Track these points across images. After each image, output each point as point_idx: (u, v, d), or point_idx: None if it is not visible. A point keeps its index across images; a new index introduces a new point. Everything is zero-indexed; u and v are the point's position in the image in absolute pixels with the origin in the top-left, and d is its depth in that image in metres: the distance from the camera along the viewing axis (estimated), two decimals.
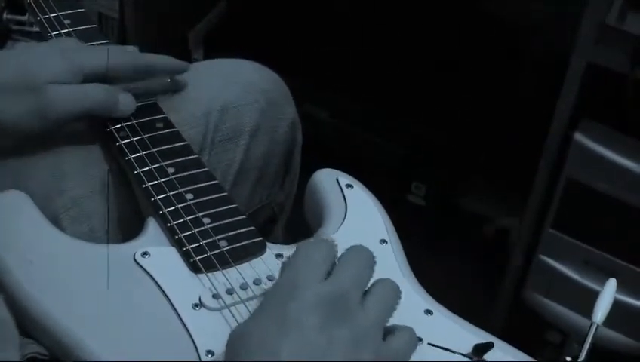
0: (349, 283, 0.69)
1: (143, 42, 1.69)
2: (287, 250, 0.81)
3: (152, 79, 0.95)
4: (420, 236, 1.65)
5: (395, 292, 0.71)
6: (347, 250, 0.72)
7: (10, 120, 0.85)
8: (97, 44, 0.95)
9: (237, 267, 0.79)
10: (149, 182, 0.85)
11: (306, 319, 0.66)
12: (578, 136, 1.35)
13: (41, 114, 0.85)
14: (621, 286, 1.11)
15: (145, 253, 0.79)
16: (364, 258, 0.72)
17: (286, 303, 0.67)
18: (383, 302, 0.70)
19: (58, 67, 0.86)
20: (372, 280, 0.72)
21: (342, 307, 0.67)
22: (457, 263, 1.76)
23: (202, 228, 0.81)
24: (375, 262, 0.72)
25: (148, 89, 0.94)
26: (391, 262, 0.82)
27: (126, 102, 0.90)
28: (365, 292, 0.70)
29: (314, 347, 0.65)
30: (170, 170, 0.86)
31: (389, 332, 0.69)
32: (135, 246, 0.80)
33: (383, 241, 0.85)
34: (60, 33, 0.95)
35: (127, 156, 0.87)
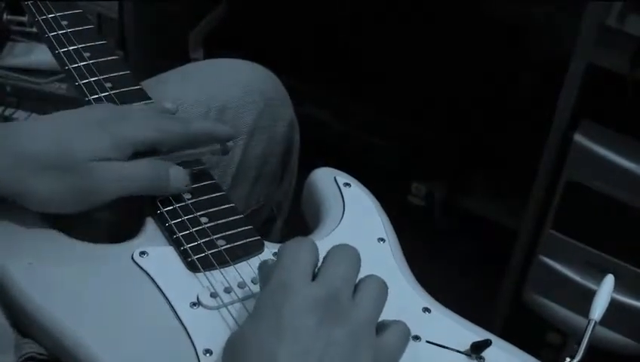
0: (339, 282, 0.69)
1: (143, 43, 1.69)
2: None
3: (202, 147, 0.88)
4: (420, 237, 1.65)
5: (382, 287, 0.71)
6: (332, 248, 0.72)
7: (47, 198, 0.78)
8: (134, 105, 0.89)
9: (235, 266, 0.79)
10: None
11: (302, 322, 0.66)
12: (578, 137, 1.35)
13: (83, 196, 0.78)
14: (621, 287, 1.11)
15: (143, 253, 0.79)
16: (350, 256, 0.72)
17: (280, 306, 0.67)
18: (373, 298, 0.70)
19: (99, 142, 0.79)
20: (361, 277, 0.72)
21: (335, 307, 0.67)
22: (457, 264, 1.76)
23: (200, 227, 0.81)
24: (360, 259, 0.72)
25: (197, 156, 0.87)
26: (389, 261, 0.82)
27: (178, 177, 0.83)
28: (354, 290, 0.70)
29: (312, 349, 0.65)
30: None
31: (381, 327, 0.69)
32: (133, 245, 0.80)
33: (381, 240, 0.85)
34: (57, 34, 0.94)
35: None
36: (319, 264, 0.71)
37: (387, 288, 0.71)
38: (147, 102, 0.90)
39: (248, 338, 0.67)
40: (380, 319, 0.70)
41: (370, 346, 0.67)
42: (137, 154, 0.81)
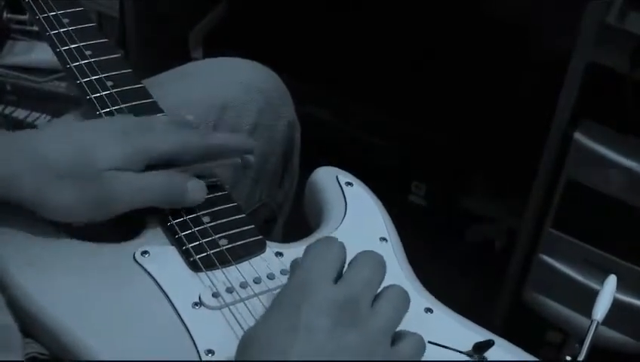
0: (360, 287, 0.69)
1: (143, 42, 1.69)
2: (288, 249, 0.81)
3: (222, 160, 0.87)
4: (420, 236, 1.65)
5: (404, 299, 0.71)
6: (359, 254, 0.72)
7: (63, 207, 0.77)
8: (156, 116, 0.88)
9: (237, 266, 0.79)
10: None
11: (317, 322, 0.66)
12: (578, 136, 1.35)
13: (98, 205, 0.78)
14: (621, 286, 1.11)
15: (145, 252, 0.79)
16: (375, 263, 0.72)
17: (298, 305, 0.67)
18: (392, 307, 0.70)
19: (120, 152, 0.78)
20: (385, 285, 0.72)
21: (352, 311, 0.67)
22: (457, 263, 1.76)
23: (202, 226, 0.81)
24: (385, 268, 0.72)
25: (217, 170, 0.87)
26: (391, 260, 0.82)
27: (195, 190, 0.82)
28: (375, 298, 0.70)
29: (323, 350, 0.65)
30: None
31: (398, 337, 0.69)
32: (135, 245, 0.80)
33: (383, 239, 0.84)
34: (58, 32, 0.94)
35: None
36: (345, 267, 0.72)
37: (409, 300, 0.72)
38: (163, 114, 0.89)
39: (263, 331, 0.67)
40: None
41: (383, 355, 0.67)
42: (156, 166, 0.81)
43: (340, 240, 0.74)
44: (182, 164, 0.83)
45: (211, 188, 0.85)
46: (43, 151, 0.77)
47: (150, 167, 0.81)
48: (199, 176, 0.84)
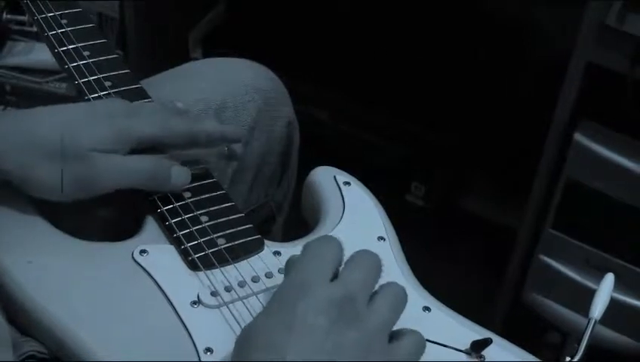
0: (358, 286, 0.69)
1: (143, 42, 1.69)
2: (286, 248, 0.81)
3: (209, 148, 0.88)
4: (419, 236, 1.65)
5: (401, 296, 0.71)
6: (355, 252, 0.73)
7: (47, 184, 0.78)
8: (144, 102, 0.89)
9: (235, 265, 0.79)
10: None
11: (314, 320, 0.66)
12: (578, 137, 1.35)
13: (83, 185, 0.79)
14: (621, 286, 1.11)
15: (143, 251, 0.79)
16: (371, 261, 0.72)
17: (295, 303, 0.67)
18: (389, 305, 0.70)
19: (105, 134, 0.80)
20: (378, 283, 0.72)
21: (350, 310, 0.67)
22: (457, 263, 1.76)
23: (200, 226, 0.81)
24: (382, 267, 0.72)
25: (203, 157, 0.87)
26: (389, 260, 0.82)
27: (179, 176, 0.83)
28: (372, 296, 0.70)
29: (320, 349, 0.65)
30: None
31: (395, 335, 0.69)
32: (133, 244, 0.80)
33: (381, 239, 0.85)
34: (57, 33, 0.94)
35: None
36: (342, 265, 0.72)
37: (406, 297, 0.71)
38: (149, 99, 0.90)
39: (259, 329, 0.67)
40: None
41: (380, 353, 0.67)
42: (142, 150, 0.82)
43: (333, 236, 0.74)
44: (168, 149, 0.84)
45: (209, 187, 0.85)
46: (31, 129, 0.79)
47: (136, 151, 0.81)
48: (185, 163, 0.84)
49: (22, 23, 1.60)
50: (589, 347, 0.76)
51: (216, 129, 0.88)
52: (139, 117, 0.83)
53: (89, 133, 0.79)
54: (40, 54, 1.59)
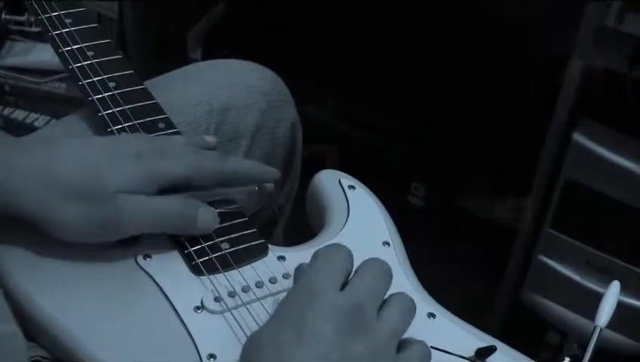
0: (367, 295, 0.69)
1: (142, 43, 1.69)
2: (290, 253, 0.81)
3: (238, 187, 0.85)
4: (419, 237, 1.65)
5: (410, 307, 0.71)
6: (365, 261, 0.72)
7: (69, 226, 0.74)
8: (169, 133, 0.86)
9: (239, 269, 0.79)
10: None
11: (322, 329, 0.65)
12: (577, 136, 1.35)
13: (106, 226, 0.75)
14: (620, 287, 1.10)
15: (147, 256, 0.79)
16: (381, 270, 0.72)
17: (303, 311, 0.66)
18: (398, 315, 0.69)
19: (132, 176, 0.76)
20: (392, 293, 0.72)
21: (358, 319, 0.67)
22: (457, 264, 1.76)
23: None
24: (392, 276, 0.72)
25: (232, 198, 0.84)
26: (393, 265, 0.81)
27: (207, 219, 0.80)
28: (381, 306, 0.70)
29: (329, 358, 0.64)
30: None
31: (403, 345, 0.69)
32: (137, 248, 0.79)
33: (386, 243, 0.84)
34: (61, 33, 0.94)
35: None
36: (352, 274, 0.71)
37: (415, 308, 0.71)
38: (175, 131, 0.88)
39: (267, 337, 0.67)
40: None
41: None
42: (170, 189, 0.79)
43: (343, 244, 0.73)
44: (197, 188, 0.81)
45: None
46: (54, 169, 0.75)
47: (163, 190, 0.79)
48: (214, 202, 0.82)
49: (21, 24, 1.60)
50: (594, 353, 0.76)
51: (248, 169, 0.85)
52: (168, 157, 0.79)
53: (116, 173, 0.76)
54: (39, 54, 1.59)
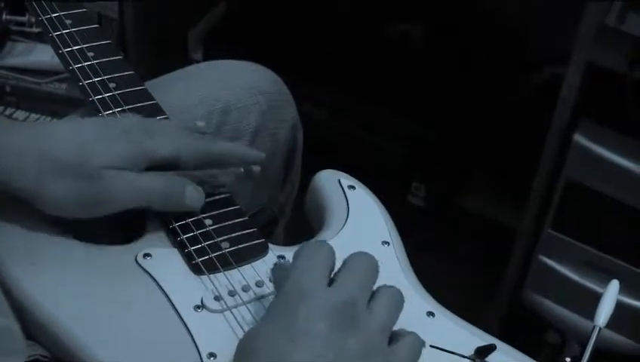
0: (356, 290, 0.69)
1: (143, 43, 1.69)
2: (289, 252, 0.80)
3: (225, 169, 0.86)
4: (419, 236, 1.65)
5: (399, 298, 0.71)
6: (351, 255, 0.72)
7: (59, 201, 0.77)
8: (163, 119, 0.88)
9: (239, 269, 0.79)
10: None
11: (316, 327, 0.66)
12: (578, 137, 1.35)
13: (93, 203, 0.78)
14: (620, 287, 1.10)
15: (147, 255, 0.79)
16: (368, 264, 0.72)
17: (296, 309, 0.67)
18: (388, 308, 0.70)
19: (120, 152, 0.78)
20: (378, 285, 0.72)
21: (350, 314, 0.67)
22: (457, 263, 1.76)
23: (204, 229, 0.81)
24: (378, 268, 0.72)
25: (219, 178, 0.85)
26: (393, 264, 0.82)
27: (194, 196, 0.81)
28: (370, 299, 0.70)
29: (324, 355, 0.65)
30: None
31: (395, 337, 0.69)
32: (137, 247, 0.80)
33: (385, 243, 0.84)
34: (61, 34, 0.94)
35: None
36: (335, 269, 0.71)
37: (403, 298, 0.71)
38: (164, 117, 0.89)
39: (261, 339, 0.67)
40: None
41: (381, 355, 0.67)
42: (158, 168, 0.81)
43: (342, 243, 0.74)
44: (184, 168, 0.83)
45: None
46: (47, 146, 0.78)
47: (150, 168, 0.81)
48: (200, 183, 0.83)
49: (22, 24, 1.60)
50: (592, 353, 0.76)
51: (234, 151, 0.87)
52: (156, 135, 0.81)
53: (104, 150, 0.78)
54: (40, 55, 1.59)
